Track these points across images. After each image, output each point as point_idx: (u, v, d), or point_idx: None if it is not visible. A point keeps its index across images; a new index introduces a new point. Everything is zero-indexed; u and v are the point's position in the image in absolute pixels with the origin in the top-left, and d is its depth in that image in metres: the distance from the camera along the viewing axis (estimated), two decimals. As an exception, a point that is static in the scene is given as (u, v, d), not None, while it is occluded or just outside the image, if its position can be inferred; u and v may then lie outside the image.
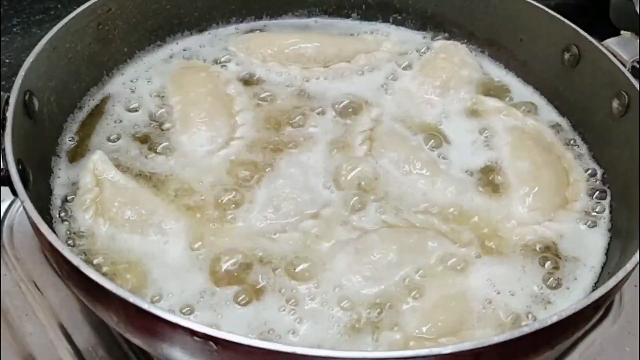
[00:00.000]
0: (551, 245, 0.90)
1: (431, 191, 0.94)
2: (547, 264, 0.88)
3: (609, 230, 0.93)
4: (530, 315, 0.83)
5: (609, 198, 0.96)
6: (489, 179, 0.98)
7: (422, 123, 1.05)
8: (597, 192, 0.97)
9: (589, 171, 1.00)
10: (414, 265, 0.85)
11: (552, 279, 0.87)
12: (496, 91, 1.13)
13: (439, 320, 0.80)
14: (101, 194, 0.89)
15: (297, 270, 0.84)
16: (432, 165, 0.97)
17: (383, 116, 1.04)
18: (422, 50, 1.16)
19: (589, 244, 0.92)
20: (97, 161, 0.92)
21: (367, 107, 1.06)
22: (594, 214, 0.95)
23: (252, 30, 1.19)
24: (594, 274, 0.89)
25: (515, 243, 0.90)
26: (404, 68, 1.13)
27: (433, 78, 1.10)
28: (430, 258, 0.86)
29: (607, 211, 0.95)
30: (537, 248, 0.90)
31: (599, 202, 0.96)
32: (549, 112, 1.09)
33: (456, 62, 1.12)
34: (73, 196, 0.90)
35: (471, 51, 1.17)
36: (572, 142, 1.04)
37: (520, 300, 0.84)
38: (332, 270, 0.84)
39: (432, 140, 1.02)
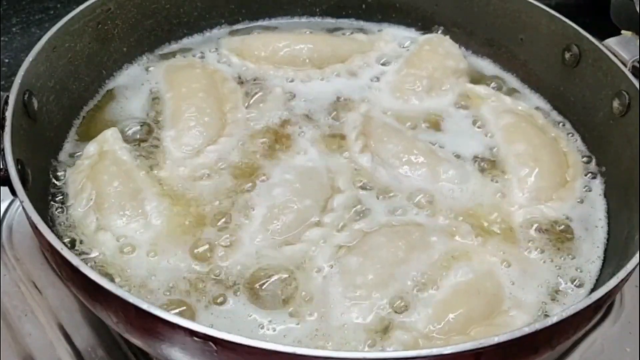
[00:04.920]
0: (558, 224, 0.92)
1: (432, 180, 0.94)
2: (556, 242, 0.90)
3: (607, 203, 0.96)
4: (556, 296, 0.85)
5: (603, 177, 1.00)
6: (488, 163, 0.99)
7: (413, 114, 1.05)
8: (593, 172, 1.00)
9: (584, 159, 1.02)
10: (423, 261, 0.85)
11: (563, 257, 0.88)
12: (483, 80, 1.14)
13: (453, 316, 0.79)
14: (99, 162, 0.91)
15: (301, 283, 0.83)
16: (430, 154, 0.97)
17: (372, 111, 1.04)
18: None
19: (593, 218, 0.94)
20: (109, 135, 0.95)
21: (356, 104, 1.06)
22: (594, 190, 0.97)
23: (251, 31, 1.19)
24: (602, 244, 0.92)
25: (521, 225, 0.91)
26: (390, 63, 1.13)
27: (419, 69, 1.10)
28: (435, 252, 0.86)
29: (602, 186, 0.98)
30: (544, 228, 0.91)
31: (596, 179, 0.99)
32: (549, 111, 1.10)
33: (441, 52, 1.13)
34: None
35: (467, 49, 1.18)
36: (570, 135, 1.05)
37: (536, 283, 0.85)
38: (341, 279, 0.83)
39: (426, 130, 1.03)
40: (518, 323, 0.80)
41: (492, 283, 0.84)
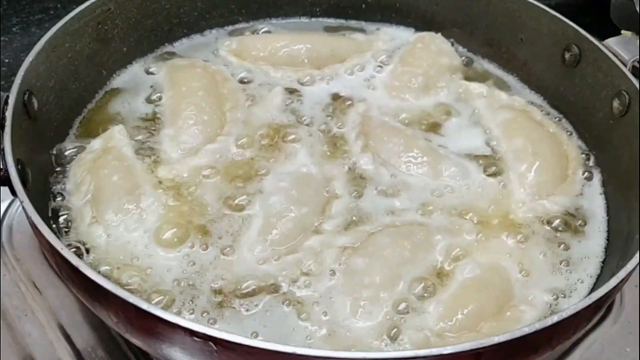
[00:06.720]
0: (559, 219, 0.92)
1: (434, 178, 0.95)
2: (559, 237, 0.90)
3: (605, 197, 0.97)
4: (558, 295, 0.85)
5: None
6: (488, 159, 0.99)
7: (411, 112, 1.05)
8: (593, 171, 1.00)
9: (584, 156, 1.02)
10: (429, 260, 0.85)
11: (565, 252, 0.89)
12: (478, 77, 1.14)
13: (464, 312, 0.80)
14: (102, 157, 0.91)
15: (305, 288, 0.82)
16: (431, 152, 0.97)
17: (371, 110, 1.04)
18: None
19: (593, 217, 0.94)
20: (116, 132, 0.95)
21: (355, 104, 1.06)
22: (595, 189, 0.98)
23: (251, 31, 1.19)
24: (603, 239, 0.92)
25: (523, 220, 0.91)
26: (386, 62, 1.13)
27: (414, 67, 1.10)
28: (439, 251, 0.86)
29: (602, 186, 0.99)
30: (546, 223, 0.92)
31: (596, 178, 0.99)
32: (548, 110, 1.10)
33: (434, 50, 1.13)
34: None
35: (467, 49, 1.18)
36: (569, 134, 1.05)
37: (541, 278, 0.86)
38: (348, 280, 0.82)
39: (424, 128, 1.03)
40: (528, 318, 0.81)
41: (499, 279, 0.84)
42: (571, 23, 1.03)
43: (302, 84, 1.09)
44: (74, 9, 0.98)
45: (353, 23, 1.23)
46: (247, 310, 0.80)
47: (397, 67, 1.11)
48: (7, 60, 1.36)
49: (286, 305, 0.80)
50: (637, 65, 0.98)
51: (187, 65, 1.09)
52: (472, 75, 1.14)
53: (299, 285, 0.82)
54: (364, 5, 1.22)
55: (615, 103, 0.96)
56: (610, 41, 1.02)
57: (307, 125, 1.02)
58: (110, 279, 0.79)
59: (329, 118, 1.04)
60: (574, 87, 1.05)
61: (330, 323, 0.79)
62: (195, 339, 0.63)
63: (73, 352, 0.91)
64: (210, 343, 0.63)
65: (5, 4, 1.48)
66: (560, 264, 0.88)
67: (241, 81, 1.09)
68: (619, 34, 1.08)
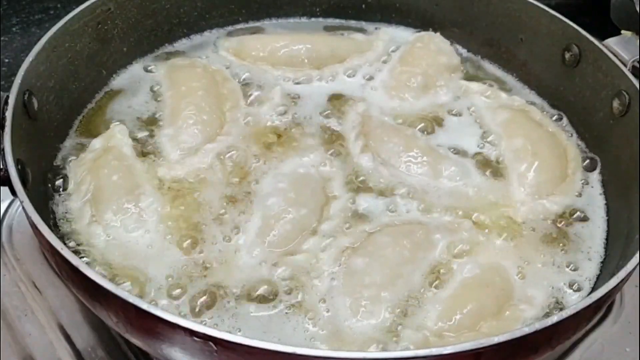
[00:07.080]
0: (559, 219, 0.93)
1: (434, 178, 0.94)
2: (558, 238, 0.90)
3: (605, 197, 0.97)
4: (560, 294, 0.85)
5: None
6: (487, 159, 0.99)
7: (410, 112, 1.05)
8: (593, 171, 1.00)
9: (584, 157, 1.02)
10: (428, 259, 0.85)
11: (565, 253, 0.89)
12: (477, 77, 1.14)
13: (464, 312, 0.80)
14: (102, 156, 0.91)
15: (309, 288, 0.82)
16: (431, 152, 0.97)
17: (371, 110, 1.04)
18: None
19: (593, 217, 0.94)
20: (117, 131, 0.95)
21: (354, 104, 1.06)
22: (594, 189, 0.98)
23: (251, 31, 1.19)
24: (603, 239, 0.92)
25: (523, 220, 0.91)
26: (386, 62, 1.13)
27: (413, 67, 1.10)
28: (439, 250, 0.86)
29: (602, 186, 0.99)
30: (546, 223, 0.92)
31: (596, 178, 0.99)
32: (548, 110, 1.10)
33: (433, 49, 1.13)
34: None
35: (467, 49, 1.18)
36: (569, 134, 1.05)
37: (541, 278, 0.86)
38: (349, 280, 0.82)
39: (424, 128, 1.03)
40: (528, 317, 0.81)
41: (499, 278, 0.84)
42: (571, 23, 1.03)
43: (302, 84, 1.09)
44: (74, 9, 0.99)
45: (353, 23, 1.23)
46: (247, 312, 0.80)
47: (396, 67, 1.11)
48: (7, 60, 1.36)
49: (286, 306, 0.80)
50: (637, 65, 0.98)
51: (187, 65, 1.09)
52: (472, 75, 1.15)
53: (299, 286, 0.82)
54: (364, 5, 1.22)
55: (615, 103, 0.96)
56: (610, 41, 1.02)
57: (307, 125, 1.02)
58: (109, 278, 0.80)
59: (329, 118, 1.04)
60: (574, 87, 1.05)
61: (331, 323, 0.79)
62: (195, 339, 0.63)
63: (73, 352, 0.91)
64: (210, 343, 0.63)
65: (5, 4, 1.48)
66: (560, 263, 0.88)
67: (241, 81, 1.09)
68: (619, 34, 1.08)
